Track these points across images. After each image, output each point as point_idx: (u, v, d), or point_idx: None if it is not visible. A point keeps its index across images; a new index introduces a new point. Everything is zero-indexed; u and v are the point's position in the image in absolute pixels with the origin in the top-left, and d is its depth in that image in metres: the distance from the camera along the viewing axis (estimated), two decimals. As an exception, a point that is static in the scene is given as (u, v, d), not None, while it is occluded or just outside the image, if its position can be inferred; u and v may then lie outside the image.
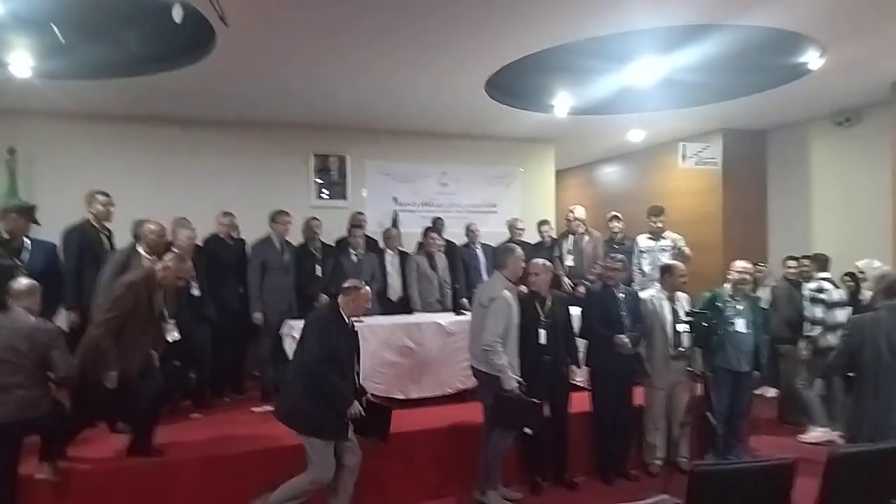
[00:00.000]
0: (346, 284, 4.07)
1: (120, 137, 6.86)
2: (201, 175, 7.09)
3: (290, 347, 5.30)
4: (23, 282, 3.77)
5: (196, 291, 5.23)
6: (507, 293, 4.30)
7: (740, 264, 5.14)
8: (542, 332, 4.50)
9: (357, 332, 4.11)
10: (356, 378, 4.02)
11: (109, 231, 5.17)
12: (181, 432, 4.63)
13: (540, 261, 4.79)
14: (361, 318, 5.58)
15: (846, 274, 6.23)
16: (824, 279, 5.71)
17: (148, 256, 4.70)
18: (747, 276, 5.12)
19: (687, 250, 6.43)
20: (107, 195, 5.11)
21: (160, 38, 4.92)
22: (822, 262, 5.89)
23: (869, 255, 5.79)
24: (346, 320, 3.98)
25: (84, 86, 5.73)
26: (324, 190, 7.75)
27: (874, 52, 5.25)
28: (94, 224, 5.04)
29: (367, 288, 4.09)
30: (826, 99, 6.66)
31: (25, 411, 3.53)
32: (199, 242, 5.57)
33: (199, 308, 5.25)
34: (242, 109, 6.78)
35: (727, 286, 5.12)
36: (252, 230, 6.06)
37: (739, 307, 5.00)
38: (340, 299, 3.98)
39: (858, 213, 6.98)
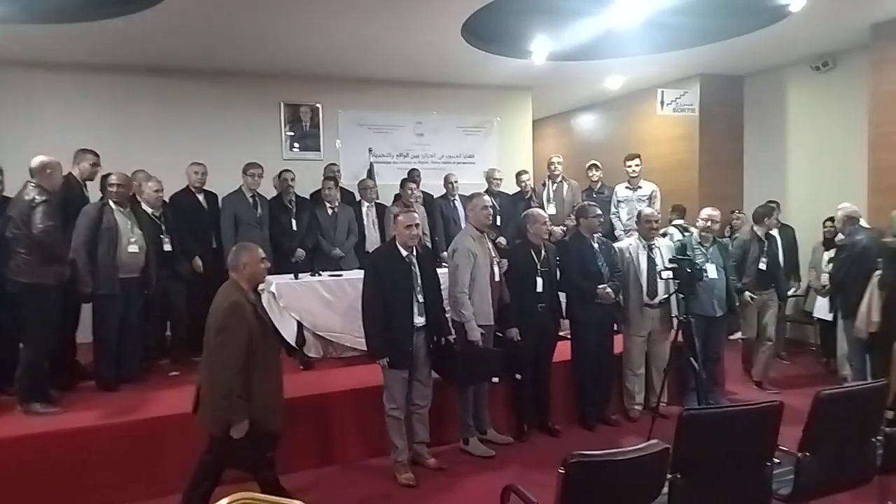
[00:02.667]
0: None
1: (78, 87, 6.52)
2: (166, 127, 6.79)
3: (267, 304, 5.22)
4: (38, 158, 4.09)
5: (168, 247, 5.10)
6: (469, 242, 4.32)
7: (706, 211, 5.21)
8: (540, 281, 4.54)
9: (412, 262, 4.05)
10: (417, 309, 4.03)
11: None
12: (162, 390, 4.59)
13: (535, 210, 4.80)
14: (340, 273, 5.56)
15: (828, 219, 6.28)
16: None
17: (121, 209, 4.62)
18: (712, 224, 5.16)
19: (657, 201, 6.42)
20: (96, 155, 4.91)
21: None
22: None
23: (844, 200, 5.84)
24: (402, 253, 4.02)
25: (35, 31, 5.39)
26: (298, 142, 7.51)
27: (856, -7, 5.18)
28: (79, 180, 4.84)
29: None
30: (804, 43, 6.59)
31: (23, 275, 3.93)
32: (167, 196, 5.40)
33: (172, 265, 5.13)
34: (206, 56, 6.47)
35: (695, 233, 5.17)
36: (221, 185, 5.87)
37: (708, 253, 5.07)
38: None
39: (834, 158, 7.00)
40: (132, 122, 6.70)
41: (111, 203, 4.59)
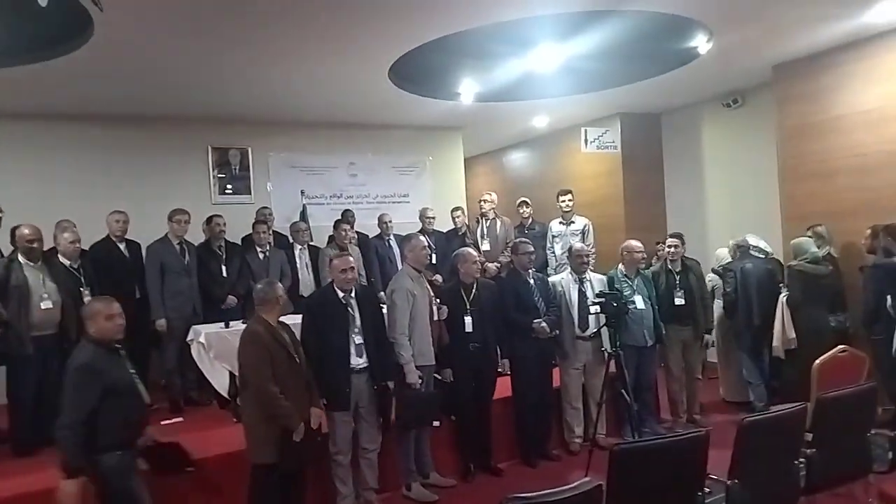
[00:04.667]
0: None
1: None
2: (87, 175, 6.53)
3: (197, 355, 5.04)
4: None
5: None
6: (407, 283, 4.34)
7: (634, 244, 5.36)
8: (468, 320, 4.56)
9: (349, 304, 4.08)
10: (354, 350, 4.03)
11: None
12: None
13: (465, 250, 4.84)
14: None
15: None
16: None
17: (31, 264, 4.36)
18: (639, 255, 5.31)
19: (590, 235, 6.62)
20: None
21: (28, 25, 4.47)
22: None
23: (760, 229, 6.17)
24: (338, 294, 4.06)
25: (-58, 79, 5.14)
26: (228, 186, 7.37)
27: (756, 36, 5.53)
28: None
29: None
30: (714, 82, 6.99)
31: None
32: (86, 246, 5.19)
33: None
34: (128, 103, 6.28)
35: (621, 266, 5.32)
36: (148, 232, 5.69)
37: (634, 285, 5.21)
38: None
39: (748, 188, 7.39)
40: (50, 171, 6.40)
41: (20, 258, 4.35)
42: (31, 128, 6.36)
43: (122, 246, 5.50)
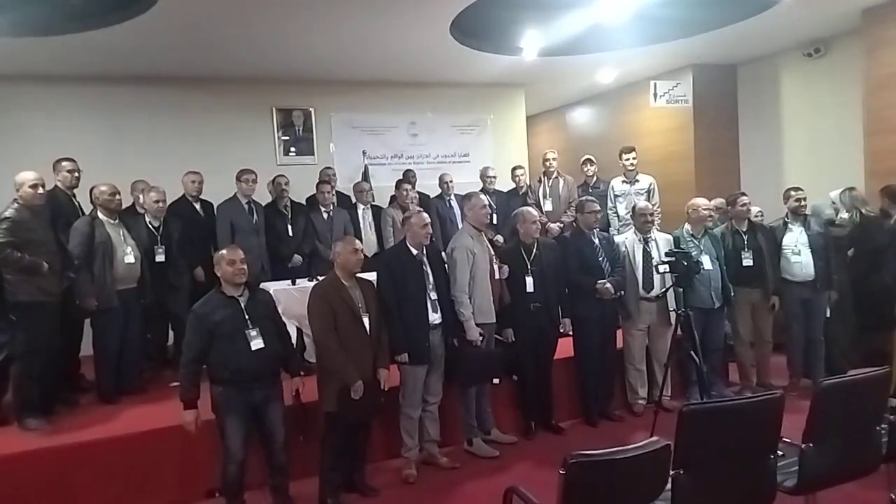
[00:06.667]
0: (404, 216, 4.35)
1: (65, 100, 6.50)
2: (157, 136, 6.77)
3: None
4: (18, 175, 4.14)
5: (161, 258, 5.06)
6: (467, 241, 4.33)
7: (700, 202, 5.15)
8: (529, 280, 4.51)
9: (423, 261, 4.11)
10: (430, 305, 4.07)
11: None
12: (163, 401, 4.51)
13: (524, 210, 4.77)
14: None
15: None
16: None
17: (111, 221, 4.61)
18: (705, 213, 5.09)
19: (655, 194, 6.39)
20: (72, 161, 4.87)
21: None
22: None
23: (841, 185, 5.81)
24: (412, 252, 4.08)
25: (22, 44, 5.36)
26: (292, 147, 7.49)
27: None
28: (65, 191, 4.83)
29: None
30: (796, 29, 6.57)
31: (9, 294, 3.98)
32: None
33: (165, 275, 5.10)
34: (195, 64, 6.44)
35: (687, 226, 5.12)
36: (215, 192, 5.85)
37: (701, 245, 5.01)
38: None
39: (829, 144, 6.98)
40: (122, 133, 6.67)
41: (101, 216, 4.58)
42: (102, 90, 6.61)
43: (197, 205, 5.69)
